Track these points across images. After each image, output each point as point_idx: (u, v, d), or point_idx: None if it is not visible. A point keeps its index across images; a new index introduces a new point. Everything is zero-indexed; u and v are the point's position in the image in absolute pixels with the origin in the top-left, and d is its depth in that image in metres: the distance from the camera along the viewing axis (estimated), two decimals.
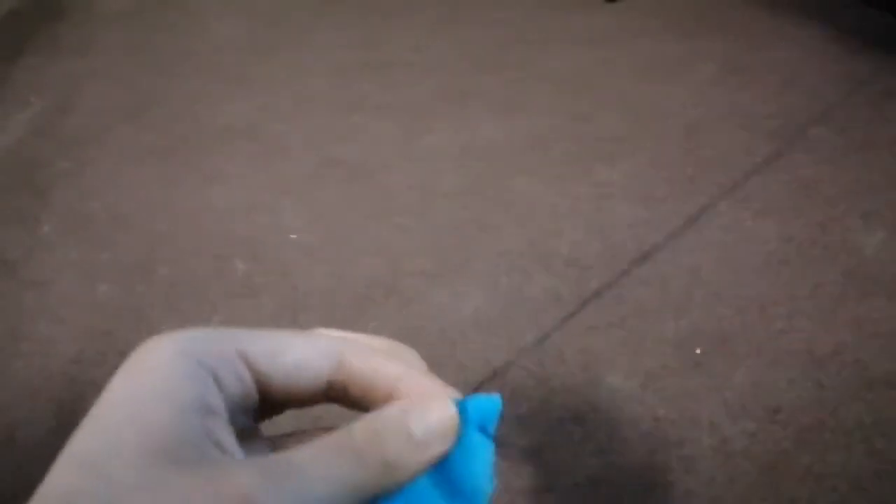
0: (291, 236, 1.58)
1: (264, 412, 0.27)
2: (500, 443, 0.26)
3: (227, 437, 0.23)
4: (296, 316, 1.40)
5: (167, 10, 2.54)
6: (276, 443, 0.28)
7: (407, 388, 0.26)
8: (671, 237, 1.49)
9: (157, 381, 0.23)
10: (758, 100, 1.87)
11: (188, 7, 2.55)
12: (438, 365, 1.22)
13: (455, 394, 0.27)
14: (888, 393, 1.17)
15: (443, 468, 0.25)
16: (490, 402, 0.27)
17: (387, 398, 0.26)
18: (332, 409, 0.29)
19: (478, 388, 1.21)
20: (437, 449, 0.25)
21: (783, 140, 1.73)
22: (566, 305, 1.36)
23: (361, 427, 0.24)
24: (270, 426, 0.28)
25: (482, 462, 0.26)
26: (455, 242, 1.53)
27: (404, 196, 1.66)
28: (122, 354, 0.23)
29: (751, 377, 1.21)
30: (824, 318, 1.29)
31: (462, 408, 0.26)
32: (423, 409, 0.25)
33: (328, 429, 0.25)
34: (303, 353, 0.26)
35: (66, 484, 0.20)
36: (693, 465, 1.10)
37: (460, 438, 0.26)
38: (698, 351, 1.26)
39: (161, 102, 2.05)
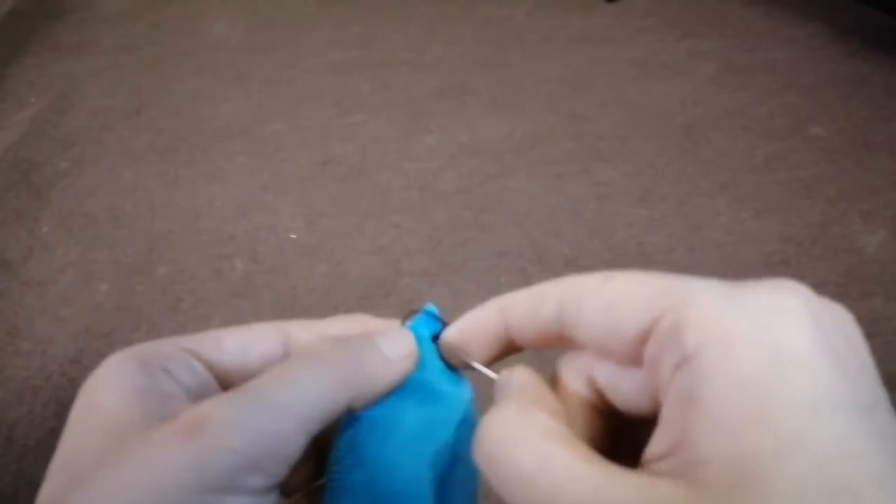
0: (291, 236, 1.58)
1: None
2: None
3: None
4: (296, 316, 1.39)
5: (166, 9, 2.54)
6: None
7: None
8: (671, 237, 1.49)
9: (107, 385, 0.23)
10: (758, 100, 1.87)
11: (187, 7, 2.55)
12: None
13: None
14: (888, 393, 1.17)
15: (412, 384, 0.26)
16: (428, 314, 0.28)
17: None
18: None
19: None
20: (404, 365, 0.25)
21: (783, 140, 1.73)
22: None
23: (325, 341, 0.24)
24: None
25: (444, 366, 0.27)
26: (454, 242, 1.52)
27: (403, 195, 1.66)
28: None
29: None
30: None
31: (412, 328, 0.27)
32: (383, 332, 0.26)
33: None
34: (242, 337, 0.26)
35: (47, 493, 0.21)
36: None
37: (423, 353, 0.27)
38: None
39: (160, 102, 2.05)
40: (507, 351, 0.26)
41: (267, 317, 1.39)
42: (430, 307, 0.28)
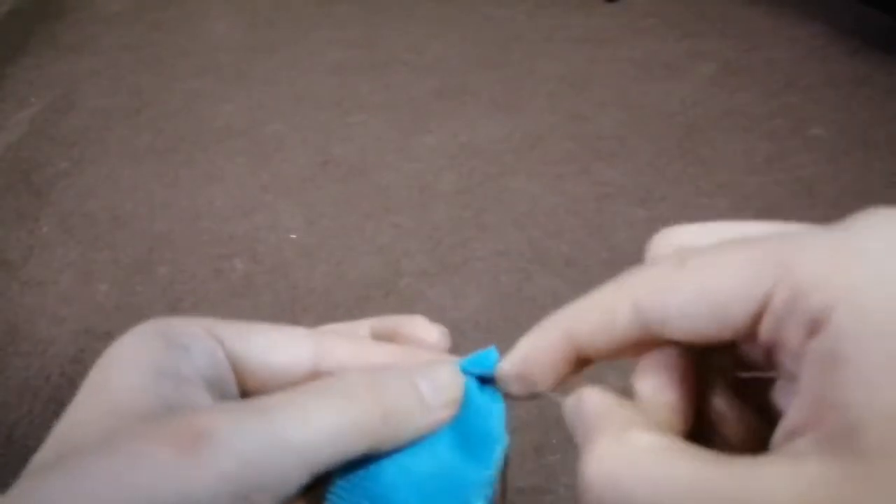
0: (291, 236, 1.58)
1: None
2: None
3: (202, 397, 0.21)
4: (296, 316, 1.40)
5: (166, 9, 2.54)
6: None
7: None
8: None
9: (124, 357, 0.22)
10: (758, 100, 1.87)
11: (187, 7, 2.55)
12: None
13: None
14: None
15: (449, 429, 0.23)
16: (488, 356, 0.25)
17: None
18: None
19: None
20: (444, 413, 0.22)
21: (783, 140, 1.73)
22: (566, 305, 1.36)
23: (357, 373, 0.22)
24: None
25: (491, 418, 0.24)
26: (454, 242, 1.52)
27: (403, 195, 1.66)
28: None
29: None
30: None
31: (463, 367, 0.24)
32: (428, 368, 0.23)
33: None
34: (274, 337, 0.24)
35: (35, 460, 0.20)
36: None
37: (467, 397, 0.24)
38: None
39: (160, 102, 2.05)
40: (578, 368, 0.24)
41: (267, 317, 1.39)
42: (492, 350, 0.25)
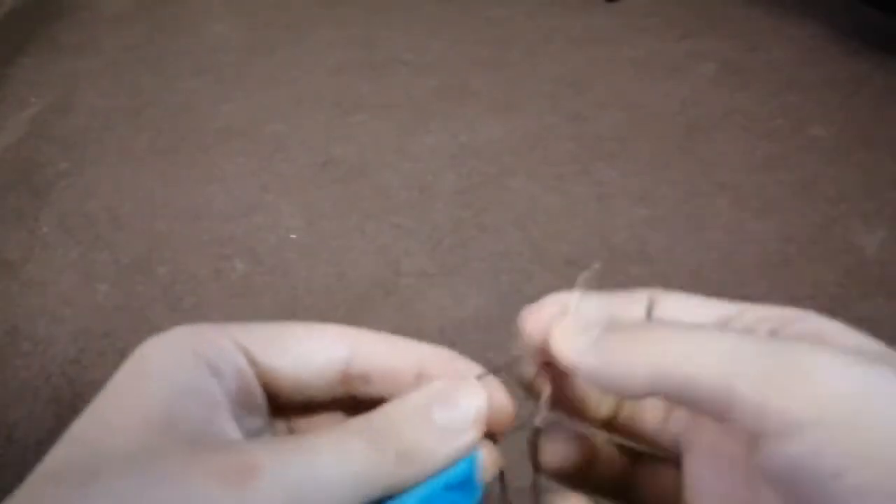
0: (291, 236, 1.58)
1: (277, 413, 0.25)
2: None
3: (230, 426, 0.22)
4: (296, 316, 1.40)
5: (167, 10, 2.54)
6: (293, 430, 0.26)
7: (436, 371, 0.24)
8: (671, 237, 1.49)
9: (155, 371, 0.22)
10: (758, 100, 1.87)
11: (187, 7, 2.55)
12: None
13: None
14: None
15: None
16: (468, 463, 0.24)
17: (411, 385, 0.24)
18: None
19: None
20: (465, 438, 0.22)
21: (783, 140, 1.73)
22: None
23: (380, 411, 0.22)
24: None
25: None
26: (455, 242, 1.52)
27: (404, 196, 1.66)
28: (122, 354, 0.23)
29: None
30: None
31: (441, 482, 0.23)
32: (447, 393, 0.22)
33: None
34: (307, 343, 0.24)
35: (57, 458, 0.20)
36: None
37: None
38: None
39: (160, 102, 2.05)
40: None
41: (267, 317, 1.39)
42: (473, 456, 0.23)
